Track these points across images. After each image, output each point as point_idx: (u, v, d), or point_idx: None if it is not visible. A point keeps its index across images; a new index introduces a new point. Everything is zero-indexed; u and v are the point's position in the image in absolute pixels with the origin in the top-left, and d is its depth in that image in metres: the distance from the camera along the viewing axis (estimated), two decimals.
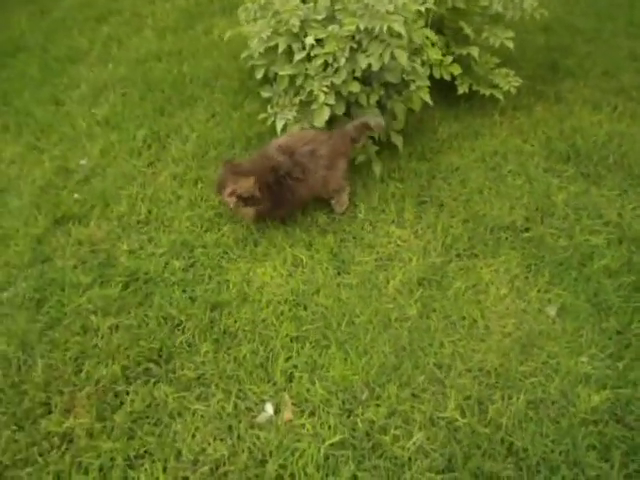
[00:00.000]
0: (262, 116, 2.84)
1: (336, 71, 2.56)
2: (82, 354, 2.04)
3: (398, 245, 2.46)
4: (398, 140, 2.81)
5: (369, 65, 2.50)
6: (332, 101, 2.55)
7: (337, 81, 2.54)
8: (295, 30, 2.59)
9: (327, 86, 2.54)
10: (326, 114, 2.56)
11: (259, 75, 2.79)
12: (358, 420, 1.83)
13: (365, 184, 2.76)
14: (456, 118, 3.22)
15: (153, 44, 3.92)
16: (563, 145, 2.97)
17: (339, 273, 2.35)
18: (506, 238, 2.46)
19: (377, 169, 2.74)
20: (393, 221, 2.58)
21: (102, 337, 2.09)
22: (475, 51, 2.94)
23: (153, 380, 1.96)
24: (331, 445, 1.76)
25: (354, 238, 2.50)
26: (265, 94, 2.87)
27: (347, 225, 2.56)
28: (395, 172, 2.82)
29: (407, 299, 2.23)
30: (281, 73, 2.69)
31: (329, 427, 1.81)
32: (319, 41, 2.55)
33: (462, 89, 3.05)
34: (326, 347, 2.05)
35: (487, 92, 3.11)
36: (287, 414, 1.87)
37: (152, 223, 2.56)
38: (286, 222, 2.56)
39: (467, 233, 2.49)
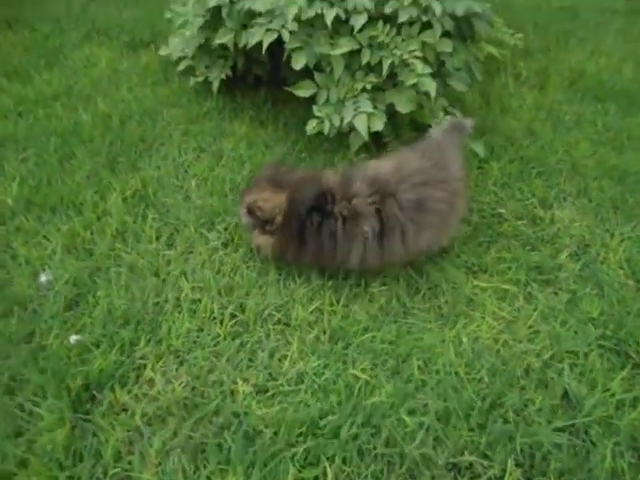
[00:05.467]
0: (312, 126, 1.84)
1: (427, 26, 1.74)
2: None
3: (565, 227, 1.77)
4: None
5: (468, 10, 1.75)
6: (429, 69, 1.73)
7: (431, 39, 1.73)
8: None
9: (417, 50, 1.71)
10: (433, 89, 1.72)
11: (300, 64, 1.79)
12: None
13: None
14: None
15: (14, 91, 2.45)
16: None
17: (549, 290, 1.55)
18: None
19: (480, 149, 1.99)
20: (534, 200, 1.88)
21: None
22: None
23: None
24: None
25: (519, 239, 1.73)
26: (304, 92, 1.87)
27: (497, 227, 1.77)
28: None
29: None
30: (334, 52, 1.75)
31: None
32: None
33: None
34: None
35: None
36: None
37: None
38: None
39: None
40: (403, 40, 1.73)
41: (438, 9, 1.66)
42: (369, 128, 1.75)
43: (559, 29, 3.42)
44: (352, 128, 1.83)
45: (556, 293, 1.54)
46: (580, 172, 2.04)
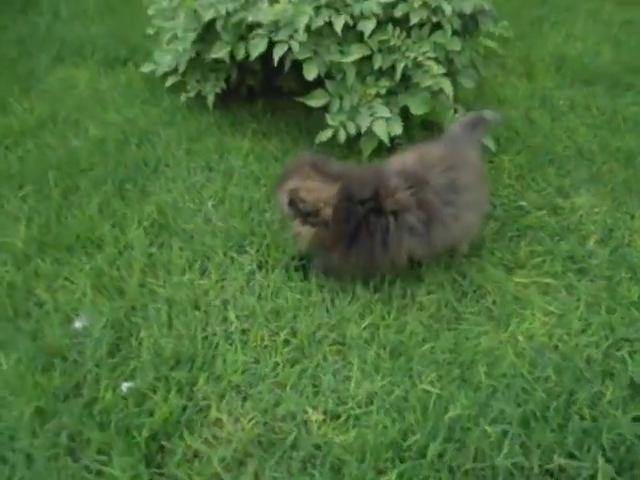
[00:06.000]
0: (326, 135, 1.81)
1: (436, 27, 1.73)
2: None
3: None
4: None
5: (476, 8, 1.75)
6: (443, 69, 1.71)
7: (442, 40, 1.72)
8: None
9: (430, 51, 1.70)
10: (450, 88, 1.71)
11: (312, 74, 1.74)
12: None
13: None
14: None
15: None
16: None
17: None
18: None
19: (491, 144, 2.00)
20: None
21: None
22: None
23: None
24: None
25: (545, 230, 1.74)
26: (316, 102, 1.83)
27: (522, 220, 1.78)
28: None
29: None
30: (346, 60, 1.72)
31: None
32: None
33: None
34: None
35: None
36: None
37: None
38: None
39: None
40: (414, 42, 1.71)
41: (448, 9, 1.65)
42: (389, 133, 1.72)
43: (531, 15, 3.47)
44: (365, 133, 1.80)
45: (592, 281, 1.56)
46: (587, 157, 2.08)
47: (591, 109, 2.38)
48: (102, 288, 1.48)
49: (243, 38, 2.01)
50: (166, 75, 2.44)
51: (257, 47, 1.81)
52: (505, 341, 1.36)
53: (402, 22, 1.72)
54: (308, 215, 1.38)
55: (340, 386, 1.25)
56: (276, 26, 1.75)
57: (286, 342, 1.35)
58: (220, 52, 1.99)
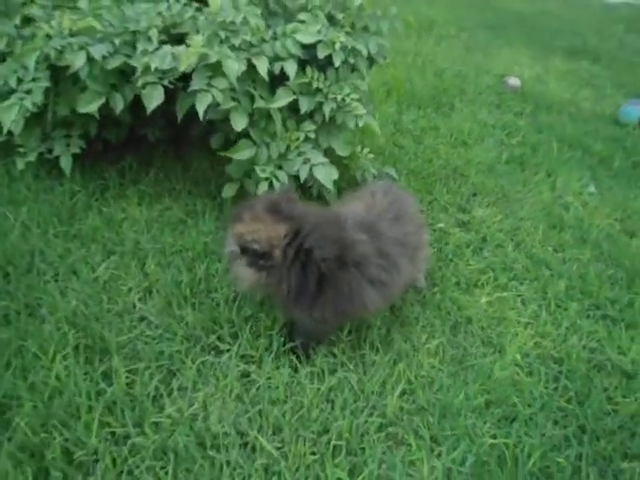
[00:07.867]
0: (234, 188, 1.57)
1: (354, 69, 1.64)
2: None
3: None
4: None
5: (379, 47, 1.72)
6: (364, 109, 1.65)
7: (359, 81, 1.65)
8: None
9: (352, 92, 1.62)
10: (377, 127, 1.65)
11: (241, 124, 1.44)
12: None
13: None
14: None
15: None
16: None
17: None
18: None
19: (395, 173, 2.03)
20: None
21: None
22: None
23: None
24: None
25: (470, 246, 1.86)
26: (242, 154, 1.55)
27: (448, 239, 1.86)
28: None
29: None
30: (275, 106, 1.51)
31: None
32: None
33: None
34: None
35: None
36: None
37: None
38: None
39: None
40: (331, 84, 1.61)
41: (364, 51, 1.60)
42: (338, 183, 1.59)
43: None
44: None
45: (529, 285, 1.71)
46: (460, 173, 2.29)
47: (439, 129, 2.65)
48: (51, 468, 0.96)
49: (114, 87, 1.60)
50: None
51: (153, 97, 1.45)
52: (511, 363, 1.38)
53: (312, 63, 1.60)
54: (261, 257, 1.17)
55: (414, 476, 1.08)
56: (183, 72, 1.42)
57: (333, 448, 1.10)
58: (90, 106, 1.54)
